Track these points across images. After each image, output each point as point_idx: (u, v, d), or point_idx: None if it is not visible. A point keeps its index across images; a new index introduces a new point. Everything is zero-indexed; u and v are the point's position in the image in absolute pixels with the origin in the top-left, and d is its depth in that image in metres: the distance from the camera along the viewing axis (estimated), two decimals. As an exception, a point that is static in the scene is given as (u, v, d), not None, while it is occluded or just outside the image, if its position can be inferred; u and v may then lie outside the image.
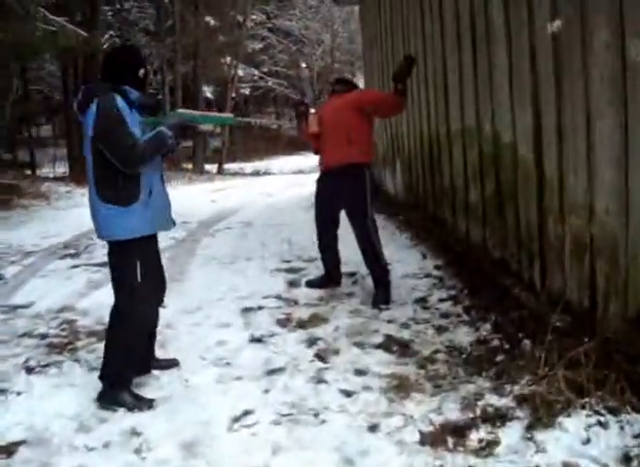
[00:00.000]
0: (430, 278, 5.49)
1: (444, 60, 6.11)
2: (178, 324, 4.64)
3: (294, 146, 37.84)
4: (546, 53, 3.78)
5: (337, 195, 5.15)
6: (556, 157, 3.80)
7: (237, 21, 25.84)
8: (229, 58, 25.75)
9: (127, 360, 3.55)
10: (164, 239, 8.13)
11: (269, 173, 24.01)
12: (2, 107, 20.41)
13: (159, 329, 4.37)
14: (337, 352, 4.01)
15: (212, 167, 24.85)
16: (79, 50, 14.91)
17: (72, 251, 7.57)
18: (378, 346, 4.07)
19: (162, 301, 3.93)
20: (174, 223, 3.79)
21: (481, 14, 4.89)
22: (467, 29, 5.26)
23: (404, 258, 6.20)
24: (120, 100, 3.37)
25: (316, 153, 5.39)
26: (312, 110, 5.23)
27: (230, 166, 26.50)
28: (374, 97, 5.32)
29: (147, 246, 3.56)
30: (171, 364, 3.96)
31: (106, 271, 6.32)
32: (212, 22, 25.07)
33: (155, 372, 3.84)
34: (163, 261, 6.73)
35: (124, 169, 3.36)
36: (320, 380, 3.62)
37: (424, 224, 7.22)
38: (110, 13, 28.11)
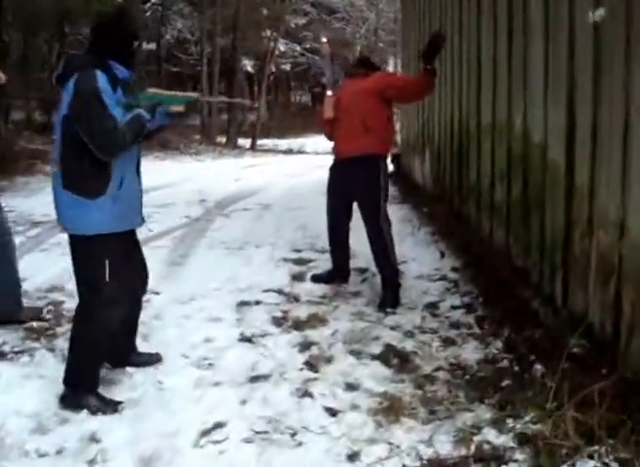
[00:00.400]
0: (445, 281, 5.11)
1: (479, 46, 5.68)
2: (167, 315, 4.33)
3: (332, 125, 37.41)
4: (585, 44, 3.36)
5: (350, 186, 4.78)
6: (589, 163, 3.39)
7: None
8: (269, 32, 25.33)
9: (93, 361, 3.24)
10: (178, 217, 7.89)
11: (302, 152, 23.63)
12: (42, 70, 20.38)
13: (144, 319, 4.12)
14: (329, 361, 3.67)
15: (246, 142, 24.53)
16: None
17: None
18: (376, 357, 3.72)
19: (144, 293, 3.62)
20: (144, 220, 3.43)
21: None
22: (504, 13, 4.83)
23: (420, 255, 5.82)
24: (102, 78, 3.02)
25: (330, 139, 5.03)
26: (329, 92, 4.84)
27: (264, 142, 26.16)
28: (396, 81, 4.90)
29: (117, 243, 3.20)
30: (152, 360, 3.66)
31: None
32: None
33: (129, 369, 3.54)
34: (172, 241, 6.52)
35: (101, 156, 3.01)
36: (305, 393, 3.28)
37: (448, 219, 6.83)
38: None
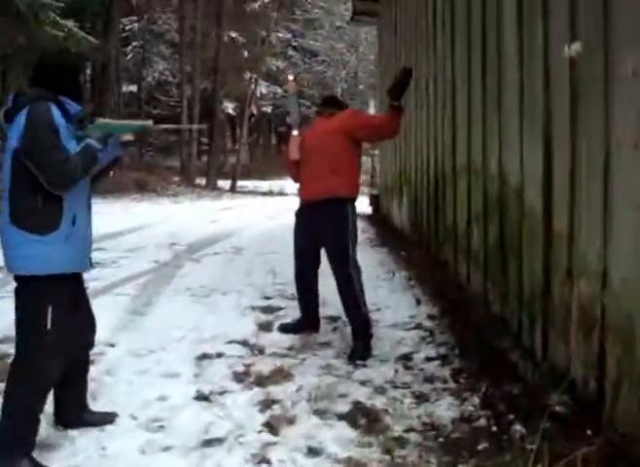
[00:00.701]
0: (420, 330, 4.83)
1: (454, 86, 5.54)
2: (120, 370, 4.01)
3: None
4: (561, 80, 3.18)
5: (317, 231, 4.53)
6: (567, 207, 3.18)
7: (261, 38, 25.51)
8: (249, 75, 25.40)
9: (27, 420, 2.91)
10: (146, 261, 7.59)
11: (283, 193, 23.46)
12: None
13: (95, 375, 3.83)
14: (291, 422, 3.36)
15: (226, 184, 24.36)
16: (91, 57, 14.58)
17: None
18: (343, 417, 3.41)
19: (92, 347, 3.34)
20: (91, 264, 3.18)
21: (493, 35, 4.32)
22: (478, 52, 4.71)
23: (395, 303, 5.56)
24: (56, 111, 2.88)
25: (295, 181, 4.80)
26: (295, 132, 4.63)
27: (245, 184, 26.03)
28: (365, 121, 4.66)
29: (63, 288, 2.95)
30: (107, 419, 3.34)
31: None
32: (234, 37, 24.80)
33: (72, 432, 3.21)
34: (136, 287, 6.21)
35: (53, 190, 2.82)
36: (262, 460, 2.96)
37: (425, 264, 6.61)
38: (136, 24, 28.05)
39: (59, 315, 2.90)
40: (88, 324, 3.27)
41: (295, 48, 29.42)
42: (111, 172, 3.51)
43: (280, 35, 29.15)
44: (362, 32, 25.01)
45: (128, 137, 3.15)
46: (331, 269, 4.53)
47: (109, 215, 12.94)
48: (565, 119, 3.13)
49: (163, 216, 12.93)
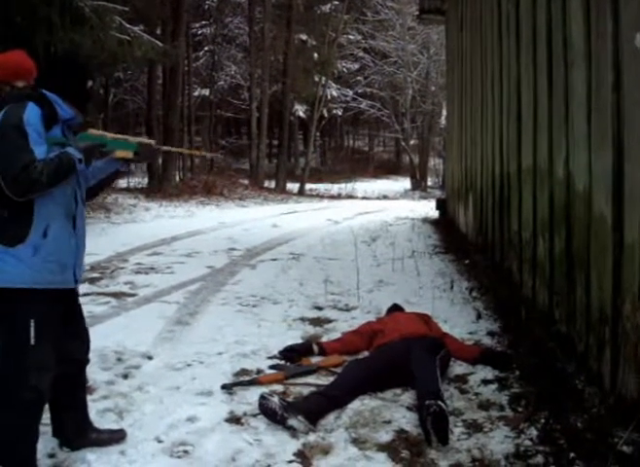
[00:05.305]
0: (479, 349, 4.46)
1: (519, 85, 5.15)
2: (153, 386, 3.77)
3: (384, 169, 37.10)
4: (633, 75, 2.78)
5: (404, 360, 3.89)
6: (640, 217, 2.79)
7: (330, 40, 25.32)
8: (322, 78, 25.22)
9: (20, 445, 2.70)
10: (201, 267, 7.43)
11: (352, 196, 23.20)
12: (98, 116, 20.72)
13: (126, 390, 3.66)
14: (327, 451, 3.06)
15: (295, 187, 24.25)
16: (159, 61, 14.67)
17: (95, 275, 6.90)
18: (384, 448, 3.09)
19: (87, 362, 3.12)
20: (77, 280, 2.91)
21: (559, 30, 3.93)
22: (543, 50, 4.32)
23: (454, 316, 5.19)
24: (33, 110, 2.64)
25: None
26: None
27: (315, 186, 25.91)
28: None
29: (45, 302, 2.72)
30: (115, 437, 3.12)
31: (115, 304, 5.66)
32: (304, 39, 24.72)
33: (89, 454, 3.00)
34: (184, 295, 6.02)
35: (11, 194, 2.58)
36: (289, 497, 2.70)
37: (489, 273, 6.20)
38: (208, 28, 28.34)
39: (44, 331, 2.69)
40: (79, 339, 3.04)
41: (365, 49, 29.03)
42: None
43: (351, 37, 28.89)
44: (433, 33, 24.46)
45: (124, 154, 2.95)
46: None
47: (171, 219, 12.96)
48: (637, 118, 2.74)
49: (226, 220, 12.83)
